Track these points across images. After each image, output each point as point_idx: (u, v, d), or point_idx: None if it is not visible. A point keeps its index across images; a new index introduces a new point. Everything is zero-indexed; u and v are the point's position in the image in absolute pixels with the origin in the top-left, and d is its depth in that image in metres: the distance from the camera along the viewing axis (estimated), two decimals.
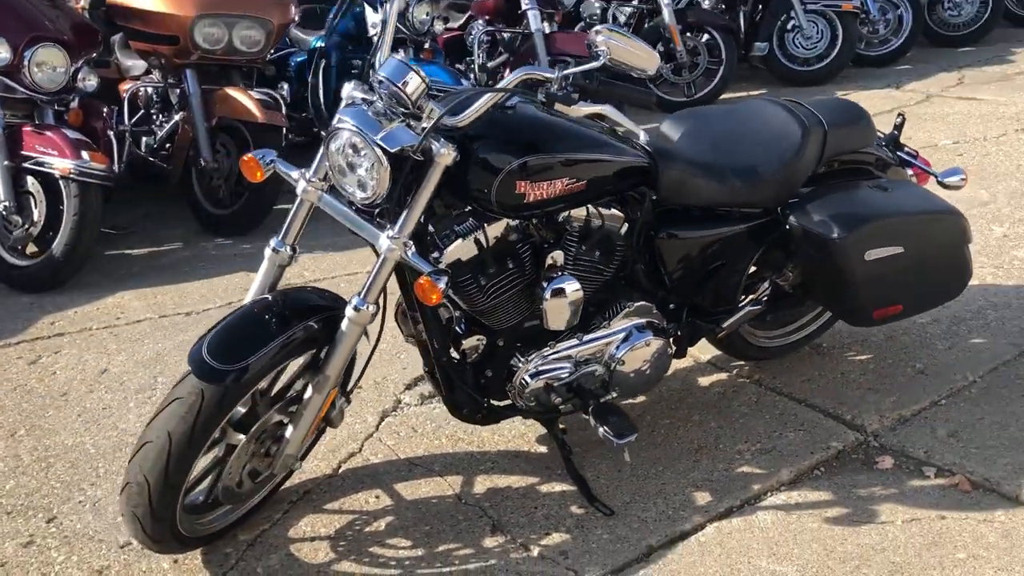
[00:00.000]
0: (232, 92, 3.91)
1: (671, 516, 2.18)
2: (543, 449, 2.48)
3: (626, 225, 2.21)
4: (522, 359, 2.21)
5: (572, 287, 2.12)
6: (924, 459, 2.30)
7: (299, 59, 4.91)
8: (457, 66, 5.16)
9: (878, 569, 1.96)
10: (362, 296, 1.98)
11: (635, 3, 5.70)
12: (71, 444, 2.60)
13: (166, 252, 4.05)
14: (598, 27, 1.84)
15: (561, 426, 2.38)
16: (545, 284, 2.11)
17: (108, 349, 3.14)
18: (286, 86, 4.62)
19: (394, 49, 2.07)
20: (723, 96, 5.89)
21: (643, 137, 2.09)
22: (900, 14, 6.21)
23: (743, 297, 2.50)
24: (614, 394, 2.27)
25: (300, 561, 2.12)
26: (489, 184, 1.97)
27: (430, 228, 2.07)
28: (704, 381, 2.75)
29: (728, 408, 2.59)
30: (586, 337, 2.24)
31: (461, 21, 5.52)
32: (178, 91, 4.04)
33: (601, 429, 2.19)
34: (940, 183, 2.53)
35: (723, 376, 2.77)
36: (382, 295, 2.00)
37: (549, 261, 2.14)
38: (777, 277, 2.51)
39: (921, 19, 6.35)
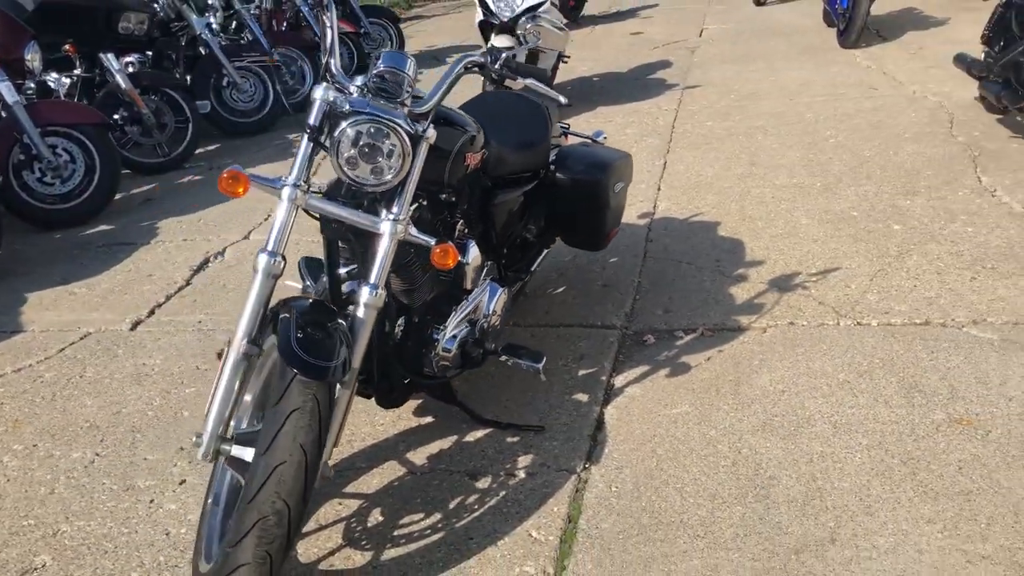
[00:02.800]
0: None
1: (574, 408, 2.72)
2: (430, 419, 2.74)
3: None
4: (438, 329, 2.49)
5: (476, 249, 2.50)
6: (667, 328, 3.23)
7: None
8: None
9: (720, 385, 2.81)
10: (373, 281, 2.09)
11: (78, 73, 5.44)
12: None
13: None
14: (529, 18, 2.31)
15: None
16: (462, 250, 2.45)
17: None
18: None
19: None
20: (197, 151, 6.04)
21: (563, 101, 2.56)
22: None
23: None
24: (492, 344, 2.68)
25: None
26: (446, 157, 2.26)
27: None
28: None
29: (529, 343, 3.15)
30: (471, 298, 2.61)
31: None
32: None
33: (522, 363, 2.60)
34: (594, 140, 3.47)
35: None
36: None
37: (460, 229, 2.48)
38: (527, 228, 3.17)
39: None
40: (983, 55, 5.28)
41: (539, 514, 2.29)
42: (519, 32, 2.26)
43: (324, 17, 2.15)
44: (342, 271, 2.33)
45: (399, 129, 2.04)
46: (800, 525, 2.16)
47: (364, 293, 2.09)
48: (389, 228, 2.10)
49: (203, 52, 6.37)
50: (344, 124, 2.03)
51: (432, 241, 2.15)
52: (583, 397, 2.81)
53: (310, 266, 2.77)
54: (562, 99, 2.53)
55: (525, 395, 2.84)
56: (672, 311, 3.33)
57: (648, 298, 3.46)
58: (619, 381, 2.90)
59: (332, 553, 2.21)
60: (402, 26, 8.97)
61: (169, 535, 2.32)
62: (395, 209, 2.12)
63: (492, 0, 5.60)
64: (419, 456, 2.56)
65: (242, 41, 6.85)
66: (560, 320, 3.34)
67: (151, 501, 2.45)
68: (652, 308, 3.38)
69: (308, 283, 2.73)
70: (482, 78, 2.50)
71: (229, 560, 1.80)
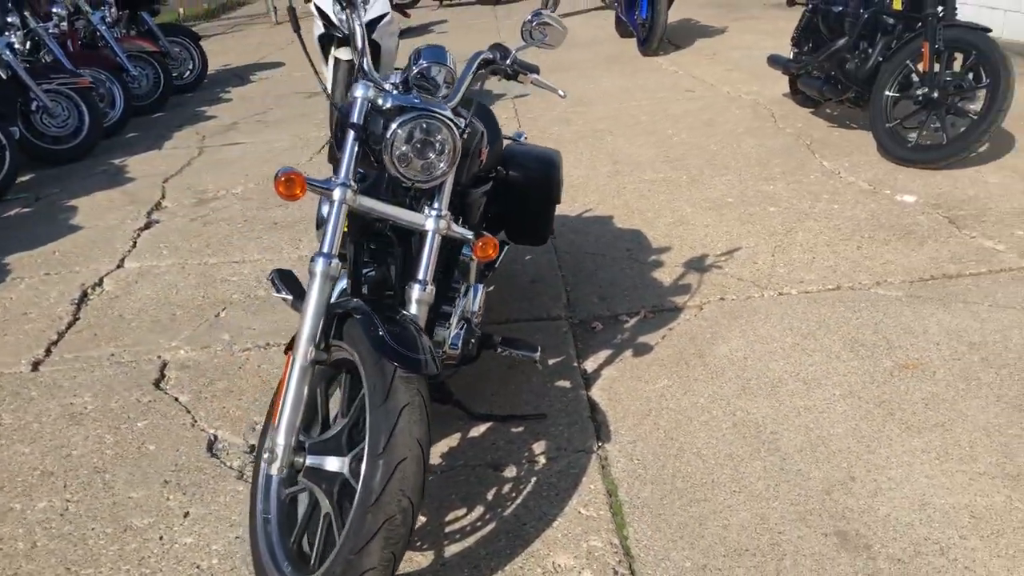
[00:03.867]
0: None
1: (561, 394, 2.81)
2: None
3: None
4: (443, 326, 2.50)
5: None
6: (611, 314, 3.37)
7: None
8: None
9: (687, 359, 2.98)
10: (422, 277, 2.09)
11: None
12: None
13: None
14: (534, 16, 2.36)
15: None
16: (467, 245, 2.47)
17: None
18: None
19: None
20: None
21: (561, 94, 2.59)
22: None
23: None
24: (494, 338, 2.70)
25: None
26: (467, 153, 2.29)
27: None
28: None
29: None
30: (471, 294, 2.63)
31: None
32: None
33: (519, 353, 2.64)
34: (516, 141, 3.55)
35: None
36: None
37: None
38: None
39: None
40: (793, 55, 5.89)
41: (579, 492, 2.34)
42: (525, 30, 2.30)
43: (351, 16, 2.11)
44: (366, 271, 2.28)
45: (451, 123, 2.04)
46: (819, 469, 2.37)
47: (415, 290, 2.08)
48: (433, 224, 2.10)
49: (2, 75, 5.77)
50: (399, 119, 2.00)
51: (471, 235, 2.16)
52: (565, 383, 2.88)
53: (284, 279, 2.69)
54: (560, 92, 2.60)
55: (507, 387, 2.87)
56: (608, 298, 3.48)
57: (580, 289, 3.58)
58: (590, 366, 3.00)
59: None
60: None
61: (202, 568, 2.14)
62: (436, 205, 2.12)
63: (334, 12, 5.53)
64: (432, 456, 2.52)
65: (42, 62, 6.29)
66: (507, 316, 3.39)
67: (160, 538, 2.25)
68: (588, 297, 3.51)
69: (285, 295, 2.64)
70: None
71: (353, 567, 1.72)
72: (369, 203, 2.06)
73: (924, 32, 4.50)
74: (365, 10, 5.16)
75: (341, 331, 1.98)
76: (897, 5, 4.77)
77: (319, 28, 5.81)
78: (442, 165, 2.07)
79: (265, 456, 1.96)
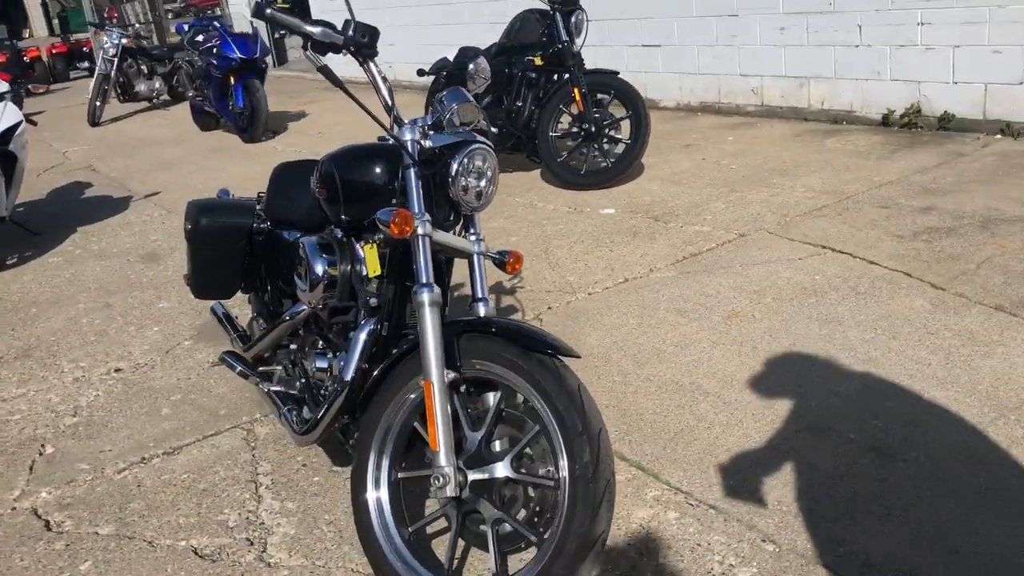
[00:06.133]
0: None
1: None
2: None
3: None
4: None
5: None
6: None
7: None
8: None
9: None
10: (483, 295, 2.29)
11: None
12: None
13: None
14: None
15: None
16: None
17: None
18: None
19: None
20: None
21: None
22: None
23: None
24: None
25: None
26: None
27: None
28: None
29: None
30: None
31: None
32: None
33: None
34: None
35: None
36: None
37: None
38: None
39: None
40: None
41: None
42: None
43: (373, 70, 2.22)
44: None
45: (494, 153, 2.25)
46: (730, 392, 2.97)
47: (481, 307, 2.23)
48: (479, 247, 2.28)
49: None
50: (463, 152, 2.15)
51: (504, 255, 2.39)
52: None
53: (225, 315, 3.22)
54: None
55: None
56: None
57: None
58: None
59: None
60: None
61: None
62: (474, 230, 2.30)
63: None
64: None
65: None
66: None
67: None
68: None
69: (231, 331, 3.09)
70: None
71: (587, 537, 1.86)
72: (439, 235, 2.18)
73: (571, 80, 5.47)
74: None
75: (464, 351, 2.07)
76: (539, 62, 5.70)
77: None
78: (491, 189, 2.27)
79: (436, 482, 1.98)
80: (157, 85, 11.75)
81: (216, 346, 3.83)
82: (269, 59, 8.68)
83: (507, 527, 2.07)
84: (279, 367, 2.86)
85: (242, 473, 2.83)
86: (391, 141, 2.24)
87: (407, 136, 2.17)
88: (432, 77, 6.72)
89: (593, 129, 5.47)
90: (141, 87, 11.65)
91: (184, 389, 3.48)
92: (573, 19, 5.50)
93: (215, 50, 8.66)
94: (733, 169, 5.71)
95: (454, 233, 2.30)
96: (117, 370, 3.73)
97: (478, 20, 9.78)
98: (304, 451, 2.90)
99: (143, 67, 11.73)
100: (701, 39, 7.32)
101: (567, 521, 1.90)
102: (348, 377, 2.35)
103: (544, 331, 2.08)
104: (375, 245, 2.34)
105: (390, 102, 2.22)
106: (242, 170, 7.44)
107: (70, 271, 5.18)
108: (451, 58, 6.58)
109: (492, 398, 2.16)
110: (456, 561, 2.12)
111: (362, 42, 2.19)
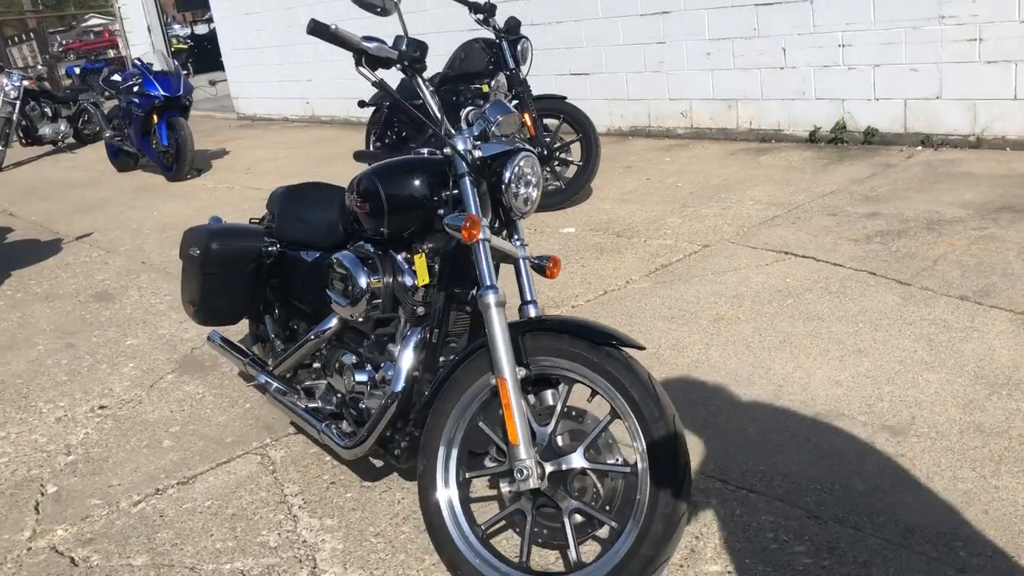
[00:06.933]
0: None
1: None
2: None
3: None
4: None
5: None
6: None
7: None
8: None
9: None
10: (532, 298, 2.35)
11: None
12: None
13: None
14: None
15: None
16: None
17: None
18: None
19: None
20: None
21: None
22: None
23: None
24: None
25: None
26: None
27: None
28: None
29: None
30: None
31: None
32: None
33: None
34: None
35: None
36: None
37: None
38: None
39: None
40: (378, 148, 6.66)
41: None
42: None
43: (422, 84, 2.28)
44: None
45: (539, 162, 2.33)
46: (739, 388, 3.11)
47: (531, 309, 2.29)
48: (523, 252, 2.35)
49: None
50: (516, 160, 2.22)
51: (544, 260, 2.46)
52: None
53: (225, 341, 3.29)
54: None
55: None
56: None
57: None
58: None
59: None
60: None
61: None
62: (518, 235, 2.37)
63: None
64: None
65: None
66: None
67: None
68: None
69: (234, 353, 3.20)
70: None
71: (673, 516, 1.93)
72: (494, 240, 2.24)
73: (520, 106, 5.60)
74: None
75: (530, 350, 2.13)
76: (486, 89, 5.82)
77: None
78: (537, 195, 2.34)
79: (520, 475, 2.03)
80: (62, 128, 11.41)
81: (202, 377, 3.77)
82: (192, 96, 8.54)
83: (577, 518, 2.12)
84: (306, 384, 2.85)
85: (269, 496, 2.79)
86: (437, 154, 2.29)
87: (461, 146, 2.22)
88: (372, 108, 6.78)
89: (545, 152, 5.60)
90: (45, 130, 11.29)
91: (181, 421, 3.40)
92: (519, 47, 5.65)
93: (136, 88, 8.48)
94: (679, 187, 5.93)
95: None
96: (102, 407, 3.61)
97: None
98: (331, 470, 2.89)
99: (47, 109, 11.37)
100: (630, 66, 7.59)
101: (651, 504, 1.97)
102: (399, 387, 2.38)
103: (606, 325, 2.16)
104: (423, 254, 2.38)
105: (439, 115, 2.28)
106: (174, 208, 7.30)
107: (16, 314, 4.98)
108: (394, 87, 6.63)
109: (551, 395, 2.22)
110: (527, 555, 2.16)
111: (414, 56, 2.24)
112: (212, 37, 23.61)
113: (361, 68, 2.24)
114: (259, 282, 3.07)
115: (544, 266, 2.44)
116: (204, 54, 20.18)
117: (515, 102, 5.61)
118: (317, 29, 2.18)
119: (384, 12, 2.34)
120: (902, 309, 3.55)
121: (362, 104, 6.87)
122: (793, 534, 2.30)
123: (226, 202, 7.23)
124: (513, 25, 5.64)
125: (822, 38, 6.31)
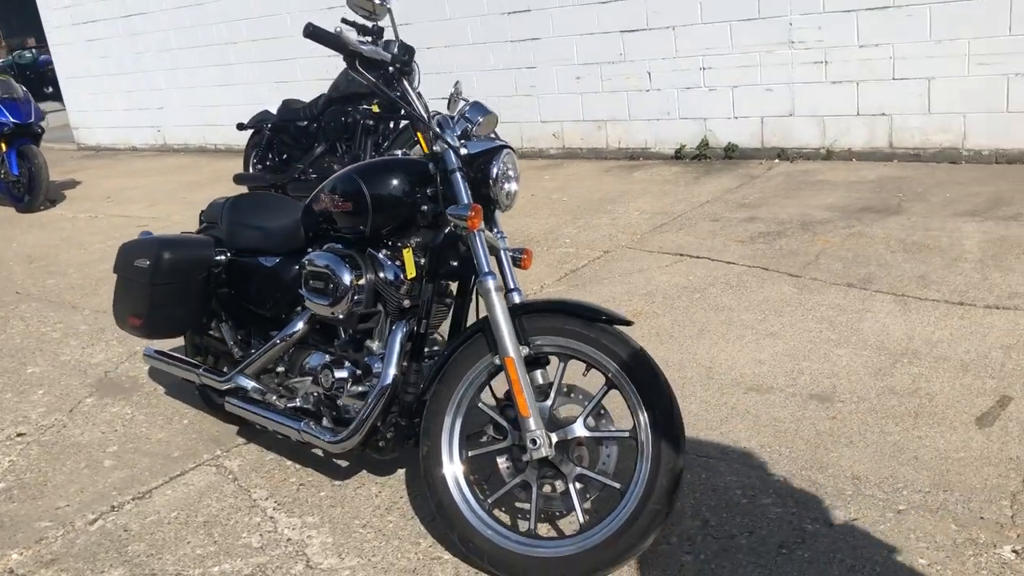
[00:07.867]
0: None
1: None
2: None
3: None
4: None
5: None
6: None
7: None
8: None
9: None
10: (515, 285, 2.49)
11: None
12: None
13: None
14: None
15: None
16: None
17: None
18: None
19: None
20: None
21: None
22: None
23: None
24: None
25: None
26: None
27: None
28: None
29: None
30: None
31: None
32: None
33: None
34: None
35: None
36: None
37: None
38: None
39: None
40: (259, 170, 6.61)
41: None
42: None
43: (407, 86, 2.39)
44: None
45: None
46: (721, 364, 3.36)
47: (516, 295, 2.44)
48: (503, 244, 2.50)
49: None
50: (500, 156, 2.36)
51: (519, 252, 2.61)
52: None
53: (165, 354, 3.28)
54: None
55: None
56: None
57: None
58: None
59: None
60: None
61: None
62: (498, 228, 2.52)
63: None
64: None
65: None
66: None
67: None
68: None
69: (181, 364, 3.20)
70: None
71: (674, 470, 2.08)
72: (489, 233, 2.37)
73: (411, 125, 5.73)
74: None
75: (528, 330, 2.27)
76: (376, 109, 5.92)
77: None
78: (518, 189, 2.49)
79: (531, 445, 2.16)
80: None
81: (126, 398, 3.67)
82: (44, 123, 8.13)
83: (577, 485, 2.27)
84: (289, 383, 2.86)
85: (238, 502, 2.78)
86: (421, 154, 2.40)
87: (453, 142, 2.34)
88: (251, 130, 6.74)
89: None
90: None
91: (117, 441, 3.30)
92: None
93: None
94: (565, 201, 6.21)
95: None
96: (19, 434, 3.45)
97: (261, 81, 9.77)
98: (296, 473, 2.90)
99: None
100: (501, 90, 7.86)
101: (655, 461, 2.14)
102: (389, 379, 2.45)
103: (596, 304, 2.32)
104: (411, 249, 2.48)
105: (426, 114, 2.40)
106: (35, 239, 6.95)
107: None
108: (274, 111, 6.64)
109: (540, 375, 2.36)
110: (535, 523, 2.28)
111: (404, 59, 2.35)
112: (34, 65, 22.34)
113: (354, 71, 2.33)
114: (207, 292, 3.05)
115: (519, 258, 2.59)
116: (26, 83, 19.05)
117: (405, 122, 5.74)
118: (316, 33, 2.26)
119: (374, 16, 2.44)
120: (799, 297, 3.92)
121: (241, 127, 6.81)
122: (758, 490, 2.53)
123: (93, 230, 6.93)
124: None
125: (684, 62, 6.79)
